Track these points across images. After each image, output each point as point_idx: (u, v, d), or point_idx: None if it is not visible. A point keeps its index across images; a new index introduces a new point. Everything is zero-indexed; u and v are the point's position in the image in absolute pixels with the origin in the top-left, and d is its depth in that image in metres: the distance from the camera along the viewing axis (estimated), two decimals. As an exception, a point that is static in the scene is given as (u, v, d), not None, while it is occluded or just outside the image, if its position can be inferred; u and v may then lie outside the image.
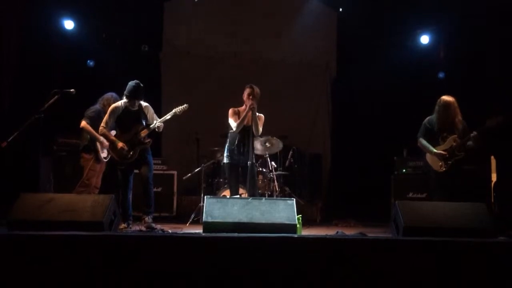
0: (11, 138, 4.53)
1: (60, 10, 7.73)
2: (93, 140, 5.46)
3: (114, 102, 5.42)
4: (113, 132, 5.28)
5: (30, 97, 6.18)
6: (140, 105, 5.21)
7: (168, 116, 5.29)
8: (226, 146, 5.31)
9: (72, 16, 7.74)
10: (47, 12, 7.65)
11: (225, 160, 5.26)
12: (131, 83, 5.12)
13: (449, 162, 5.07)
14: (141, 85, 5.14)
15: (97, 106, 5.57)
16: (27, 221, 3.74)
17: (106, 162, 5.67)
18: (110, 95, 5.61)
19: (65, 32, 7.74)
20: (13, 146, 4.59)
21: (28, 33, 7.41)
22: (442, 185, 5.15)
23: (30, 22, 7.44)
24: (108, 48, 8.00)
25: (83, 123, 5.44)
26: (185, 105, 5.35)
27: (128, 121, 5.17)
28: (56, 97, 4.88)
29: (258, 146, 6.33)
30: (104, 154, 5.51)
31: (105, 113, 5.44)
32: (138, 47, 8.35)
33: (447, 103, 5.16)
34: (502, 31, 7.06)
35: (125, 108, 5.16)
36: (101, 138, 5.38)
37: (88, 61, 8.06)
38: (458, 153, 5.07)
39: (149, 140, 5.24)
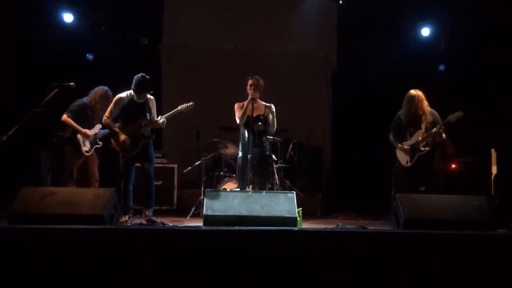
0: (11, 131, 4.52)
1: (59, 3, 7.70)
2: (75, 132, 5.35)
3: (100, 97, 5.41)
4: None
5: (30, 90, 6.16)
6: (147, 98, 5.20)
7: (173, 112, 5.29)
8: (240, 140, 5.32)
9: (71, 9, 7.70)
10: (46, 5, 7.62)
11: (239, 154, 5.27)
12: (137, 77, 5.08)
13: (414, 157, 5.04)
14: (147, 77, 5.11)
15: (84, 100, 5.46)
16: (27, 214, 3.75)
17: (102, 153, 5.65)
18: (99, 89, 5.51)
19: (65, 25, 7.71)
20: (13, 139, 4.59)
21: (27, 26, 7.38)
22: (407, 181, 5.18)
23: (29, 15, 7.41)
24: (107, 41, 7.97)
25: (64, 116, 5.34)
26: (191, 102, 5.34)
27: (132, 113, 5.16)
28: (55, 90, 4.86)
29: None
30: (86, 147, 5.39)
31: (91, 107, 5.40)
32: (138, 40, 8.32)
33: (409, 97, 5.13)
34: (502, 23, 7.03)
35: (131, 100, 5.15)
36: (83, 131, 5.32)
37: (87, 54, 8.04)
38: (422, 149, 5.02)
39: (153, 134, 5.24)
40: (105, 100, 5.44)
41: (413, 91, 5.15)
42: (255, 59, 8.61)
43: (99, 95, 5.45)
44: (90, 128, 5.44)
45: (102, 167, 6.12)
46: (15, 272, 3.13)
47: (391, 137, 5.31)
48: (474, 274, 3.31)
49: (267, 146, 5.28)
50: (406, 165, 5.16)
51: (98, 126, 5.50)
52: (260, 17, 8.86)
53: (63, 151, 5.38)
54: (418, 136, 5.07)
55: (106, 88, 5.53)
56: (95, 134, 5.50)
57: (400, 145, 5.18)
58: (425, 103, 5.10)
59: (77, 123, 5.35)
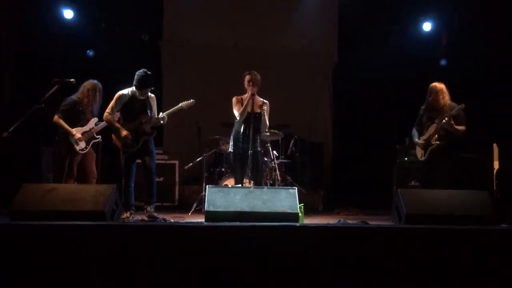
0: (12, 128, 4.52)
1: (59, 0, 7.69)
2: (66, 133, 5.30)
3: (89, 91, 5.34)
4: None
5: (31, 87, 6.17)
6: (148, 95, 5.20)
7: (174, 110, 5.29)
8: (232, 135, 5.32)
9: (71, 6, 7.69)
10: (47, 2, 7.61)
11: (231, 149, 5.28)
12: (139, 72, 5.07)
13: (427, 151, 5.11)
14: (149, 72, 5.10)
15: (73, 97, 5.39)
16: (29, 211, 3.75)
17: (103, 149, 5.64)
18: (87, 83, 5.42)
19: (65, 21, 7.70)
20: (15, 136, 4.59)
21: (28, 23, 7.38)
22: (423, 174, 5.28)
23: (29, 11, 7.40)
24: (107, 37, 7.96)
25: (55, 118, 5.29)
26: (191, 100, 5.33)
27: (134, 110, 5.16)
28: (56, 87, 4.86)
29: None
30: (79, 146, 5.31)
31: (81, 103, 5.34)
32: (138, 37, 8.31)
33: (430, 89, 5.15)
34: (504, 18, 7.00)
35: (132, 96, 5.14)
36: (72, 132, 5.26)
37: (88, 51, 8.03)
38: (433, 142, 5.07)
39: (154, 131, 5.24)
40: (94, 93, 5.38)
41: (434, 84, 5.17)
42: (256, 55, 8.58)
43: (87, 89, 5.37)
44: (84, 124, 5.39)
45: (104, 164, 6.12)
46: (17, 269, 3.13)
47: (413, 131, 5.38)
48: (476, 268, 3.30)
49: (259, 142, 5.29)
50: (421, 159, 5.23)
51: (94, 120, 5.45)
52: (261, 13, 8.83)
53: (61, 149, 5.37)
54: (432, 129, 5.11)
55: (94, 81, 5.45)
56: (92, 129, 5.43)
57: (417, 139, 5.26)
58: (445, 96, 5.09)
59: (69, 122, 5.30)
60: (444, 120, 4.94)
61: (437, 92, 5.09)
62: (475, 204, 4.00)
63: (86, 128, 5.40)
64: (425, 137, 5.18)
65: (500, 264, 3.31)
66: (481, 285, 3.28)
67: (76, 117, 5.35)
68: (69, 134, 5.28)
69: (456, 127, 4.96)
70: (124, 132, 5.05)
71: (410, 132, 5.55)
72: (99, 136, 5.55)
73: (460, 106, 4.93)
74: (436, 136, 5.06)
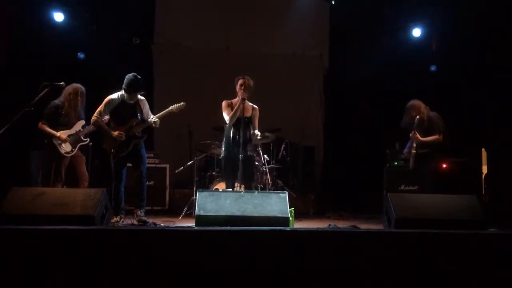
0: (0, 131, 4.48)
1: (50, 2, 7.64)
2: (51, 137, 5.30)
3: (70, 95, 5.33)
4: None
5: (20, 90, 6.11)
6: (137, 98, 5.18)
7: (164, 113, 5.27)
8: (223, 140, 5.31)
9: (62, 8, 7.65)
10: (37, 4, 7.56)
11: (223, 154, 5.26)
12: (129, 77, 5.06)
13: (410, 160, 5.45)
14: (139, 77, 5.10)
15: (55, 101, 5.38)
16: (18, 215, 3.71)
17: (93, 153, 5.62)
18: (69, 87, 5.39)
19: (55, 24, 7.66)
20: (3, 140, 4.54)
21: (19, 27, 7.33)
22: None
23: (19, 14, 7.35)
24: (98, 40, 7.93)
25: (39, 125, 5.31)
26: (182, 103, 5.33)
27: (124, 114, 5.15)
28: (46, 90, 4.83)
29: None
30: (63, 149, 5.31)
31: (62, 107, 5.34)
32: (130, 39, 8.28)
33: (406, 108, 5.49)
34: (493, 23, 7.08)
35: (122, 101, 5.13)
36: (56, 135, 5.26)
37: (79, 53, 7.99)
38: (412, 151, 5.39)
39: (144, 134, 5.22)
40: (75, 97, 5.37)
41: (410, 102, 5.48)
42: (248, 59, 8.59)
43: (68, 93, 5.37)
44: (70, 127, 5.38)
45: (94, 167, 6.09)
46: (5, 273, 3.10)
47: (408, 143, 5.66)
48: (465, 272, 3.33)
49: (251, 146, 5.29)
50: (411, 167, 5.52)
51: (80, 123, 5.43)
52: (252, 17, 8.85)
53: (48, 153, 5.34)
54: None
55: (77, 85, 5.45)
56: (78, 132, 5.41)
57: (406, 150, 5.62)
58: (413, 112, 5.39)
59: (53, 125, 5.31)
60: (410, 134, 5.33)
61: (407, 110, 5.46)
62: (464, 208, 4.04)
63: (72, 131, 5.38)
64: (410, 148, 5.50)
65: (489, 268, 3.34)
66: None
67: (59, 120, 5.34)
68: (53, 137, 5.26)
69: (423, 138, 5.29)
70: (116, 132, 5.03)
71: (401, 136, 5.66)
72: (87, 139, 5.52)
73: (416, 118, 5.30)
74: (414, 145, 5.37)
